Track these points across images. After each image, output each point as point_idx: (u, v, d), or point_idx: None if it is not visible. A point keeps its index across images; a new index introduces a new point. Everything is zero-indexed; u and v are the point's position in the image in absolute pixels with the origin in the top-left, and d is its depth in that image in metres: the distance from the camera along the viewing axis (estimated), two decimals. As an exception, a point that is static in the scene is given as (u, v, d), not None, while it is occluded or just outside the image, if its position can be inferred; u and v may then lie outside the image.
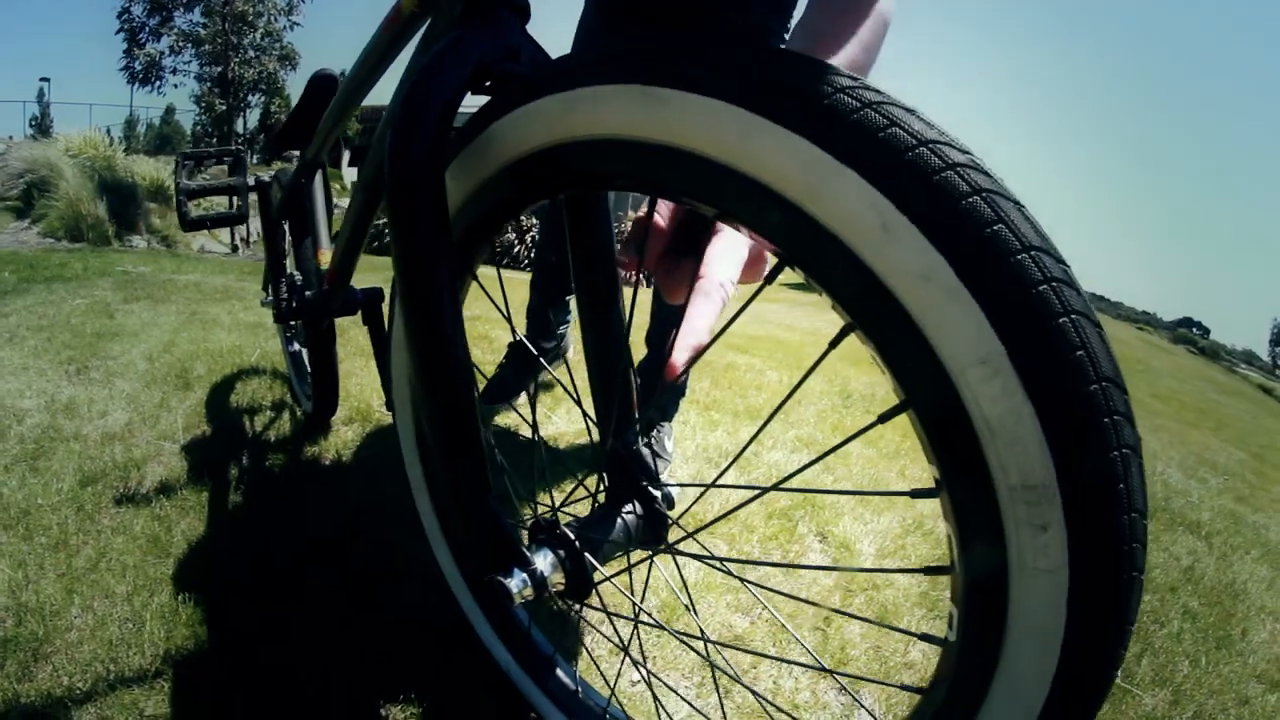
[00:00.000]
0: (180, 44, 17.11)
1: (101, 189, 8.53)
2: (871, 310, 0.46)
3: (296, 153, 1.65)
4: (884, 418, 0.50)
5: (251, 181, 1.81)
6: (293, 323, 1.81)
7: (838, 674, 1.14)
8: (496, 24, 0.74)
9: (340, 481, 1.68)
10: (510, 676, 1.05)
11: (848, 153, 0.44)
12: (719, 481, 0.76)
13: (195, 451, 1.74)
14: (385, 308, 1.27)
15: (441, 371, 0.68)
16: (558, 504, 0.86)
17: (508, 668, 1.05)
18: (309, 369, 1.76)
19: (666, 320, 1.93)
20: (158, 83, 17.05)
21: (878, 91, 0.45)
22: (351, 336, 2.77)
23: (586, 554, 0.76)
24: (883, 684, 1.21)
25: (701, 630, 0.86)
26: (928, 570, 0.54)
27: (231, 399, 2.15)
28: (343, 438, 1.88)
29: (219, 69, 17.40)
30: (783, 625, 1.19)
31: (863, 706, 1.18)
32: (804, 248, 0.48)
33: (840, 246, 0.46)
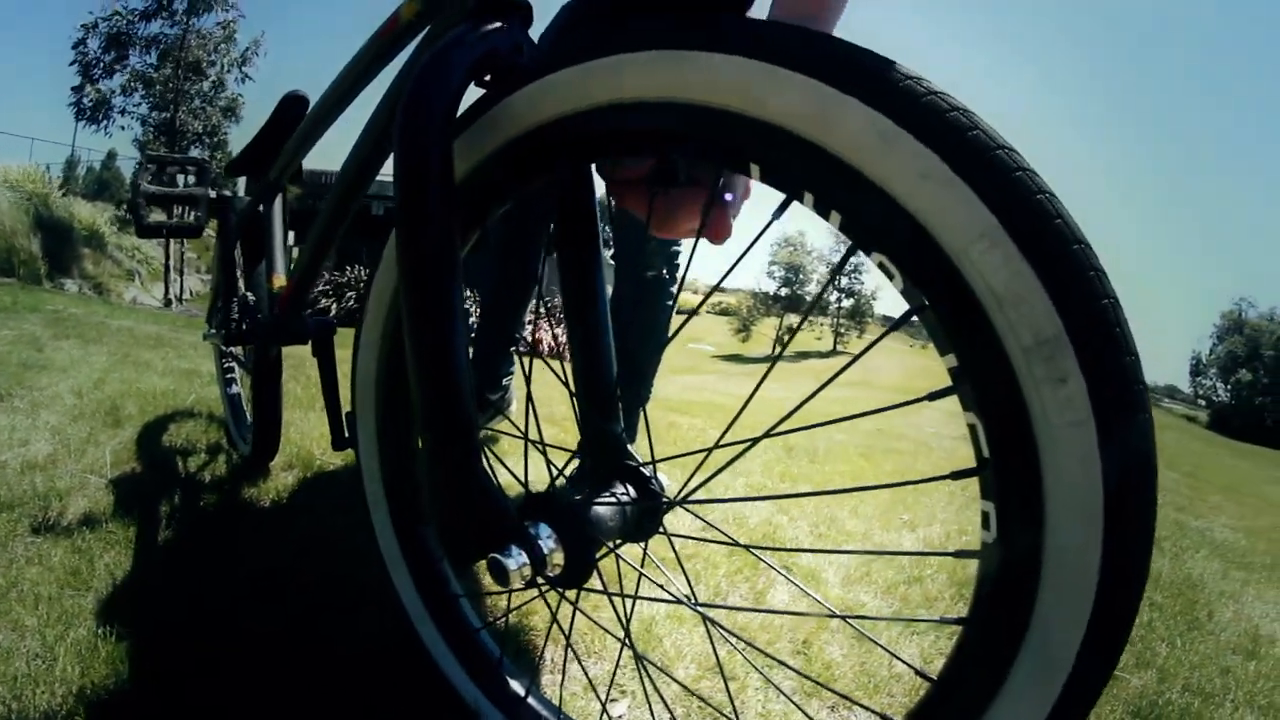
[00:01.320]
0: (132, 84, 16.89)
1: (37, 225, 8.33)
2: (878, 220, 0.53)
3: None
4: (895, 325, 0.57)
5: (213, 194, 1.77)
6: (237, 351, 1.75)
7: (854, 618, 1.11)
8: (502, 22, 0.77)
9: (281, 522, 1.60)
10: (480, 714, 0.98)
11: (851, 87, 0.52)
12: (719, 444, 0.75)
13: (124, 487, 1.65)
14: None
15: (443, 334, 0.67)
16: (552, 483, 0.83)
17: (476, 704, 0.98)
18: (251, 404, 1.70)
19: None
20: (105, 122, 16.72)
21: (856, 45, 0.54)
22: (289, 390, 2.70)
23: (588, 529, 0.73)
24: (919, 620, 1.27)
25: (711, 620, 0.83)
26: (957, 475, 0.56)
27: (164, 438, 2.06)
28: (283, 482, 1.80)
29: (165, 115, 17.20)
30: (802, 589, 1.14)
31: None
32: (814, 177, 0.56)
33: (845, 167, 0.53)
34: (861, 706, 0.75)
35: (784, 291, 49.53)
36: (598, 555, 0.74)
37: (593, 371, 0.86)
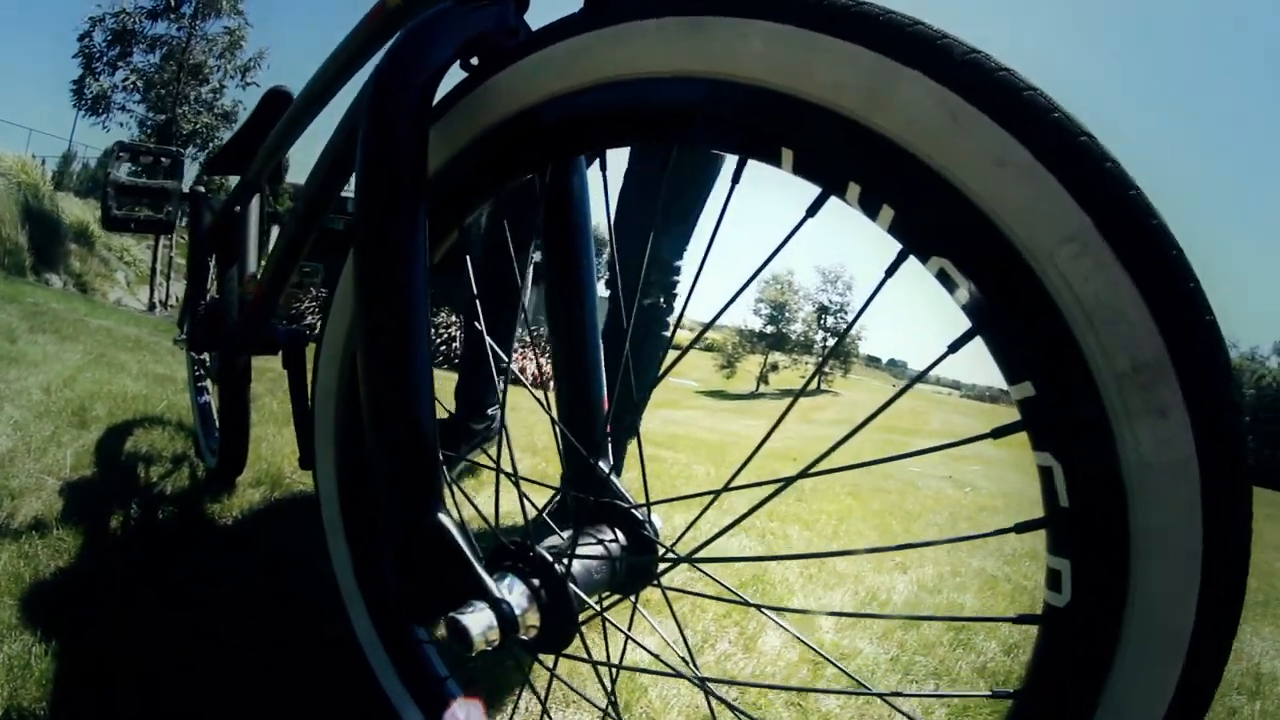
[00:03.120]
0: (134, 81, 16.94)
1: (26, 216, 8.26)
2: (940, 217, 0.45)
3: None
4: (954, 347, 0.47)
5: (186, 189, 1.70)
6: (204, 358, 1.68)
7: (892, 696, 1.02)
8: (494, 3, 0.70)
9: (243, 542, 1.52)
10: None
11: (911, 57, 0.44)
12: (729, 486, 0.63)
13: (80, 492, 1.57)
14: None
15: (401, 352, 0.60)
16: (529, 527, 0.72)
17: None
18: (217, 417, 1.63)
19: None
20: (104, 115, 16.76)
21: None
22: (264, 404, 2.64)
23: (571, 585, 0.63)
24: (961, 696, 1.13)
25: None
26: (1021, 528, 0.48)
27: (129, 444, 1.99)
28: (248, 499, 1.72)
29: (164, 116, 17.23)
30: (822, 658, 1.04)
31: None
32: (862, 165, 0.47)
33: (903, 153, 0.45)
34: None
35: (769, 329, 49.59)
36: (581, 616, 0.65)
37: (579, 398, 0.79)
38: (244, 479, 1.80)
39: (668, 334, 1.87)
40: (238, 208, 1.55)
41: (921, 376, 0.53)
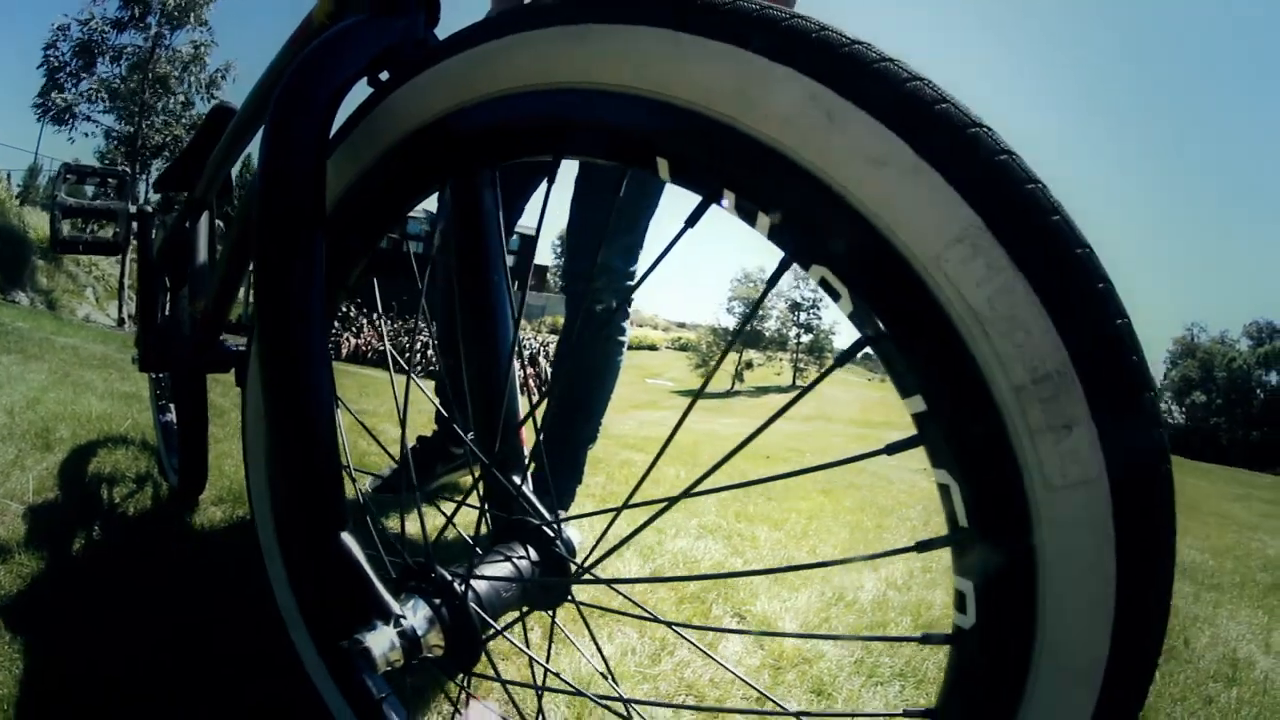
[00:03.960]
0: (98, 92, 16.78)
1: (-10, 233, 8.14)
2: (818, 222, 0.42)
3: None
4: (842, 359, 0.46)
5: (133, 209, 1.69)
6: (160, 378, 1.67)
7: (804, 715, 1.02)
8: (402, 17, 0.69)
9: (205, 561, 1.50)
10: None
11: (781, 53, 0.41)
12: (628, 504, 0.62)
13: (43, 516, 1.56)
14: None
15: (299, 377, 0.59)
16: (427, 547, 0.70)
17: None
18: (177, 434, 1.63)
19: (567, 400, 1.86)
20: (70, 125, 16.59)
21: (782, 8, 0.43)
22: (231, 419, 2.62)
23: (472, 604, 0.62)
24: (879, 716, 1.10)
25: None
26: (921, 546, 0.45)
27: (93, 466, 1.96)
28: (210, 517, 1.71)
29: (130, 128, 17.09)
30: (737, 678, 1.01)
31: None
32: (735, 170, 0.45)
33: (775, 155, 0.42)
34: None
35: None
36: (489, 633, 0.65)
37: (490, 413, 0.78)
38: (206, 496, 1.78)
39: (623, 339, 1.88)
40: (186, 225, 1.54)
41: (811, 387, 0.51)
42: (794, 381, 47.22)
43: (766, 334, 50.50)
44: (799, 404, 0.52)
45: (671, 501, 0.60)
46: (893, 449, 0.44)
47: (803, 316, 49.04)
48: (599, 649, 0.83)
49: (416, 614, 0.60)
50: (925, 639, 0.48)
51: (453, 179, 0.70)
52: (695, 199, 0.49)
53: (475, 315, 0.76)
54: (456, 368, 0.79)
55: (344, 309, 15.91)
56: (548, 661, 0.80)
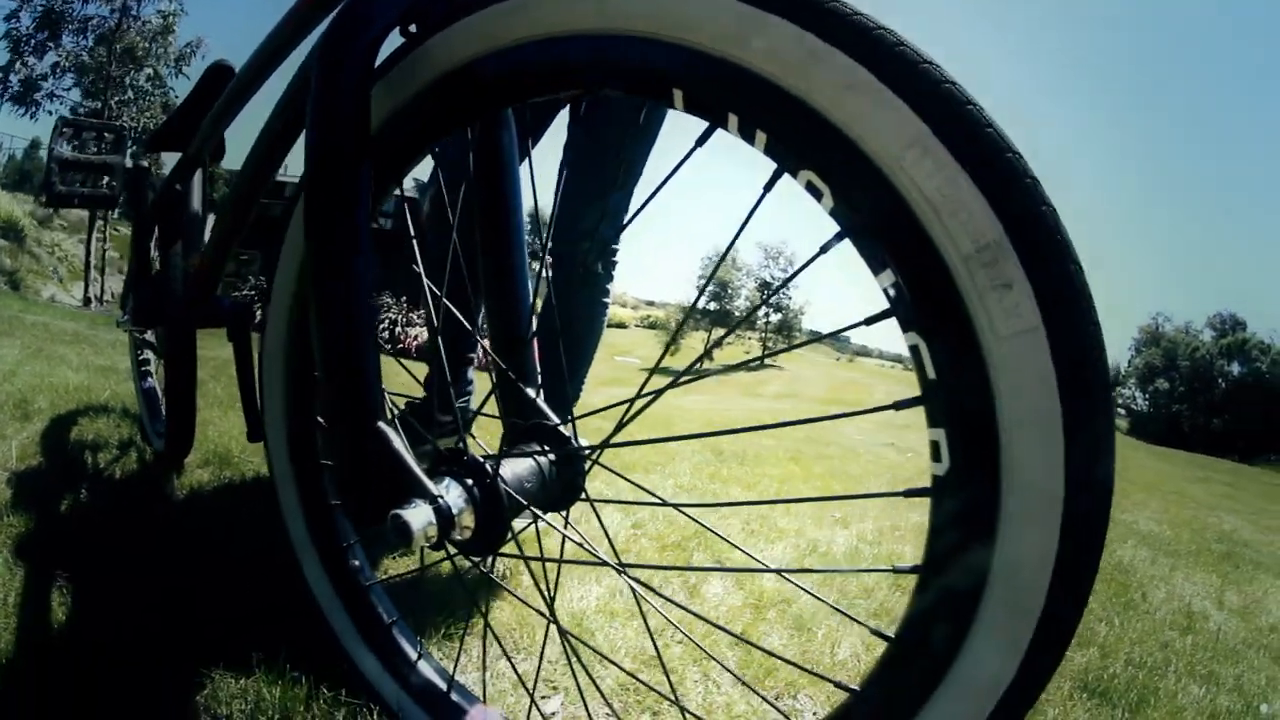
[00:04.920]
0: (66, 65, 16.30)
1: (-53, 215, 7.99)
2: (803, 136, 0.52)
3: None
4: (825, 248, 0.55)
5: (129, 164, 1.69)
6: (149, 340, 1.67)
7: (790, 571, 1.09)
8: None
9: (195, 520, 1.53)
10: (402, 713, 0.92)
11: (772, 4, 0.52)
12: (640, 393, 0.73)
13: (28, 480, 1.56)
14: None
15: (343, 274, 0.67)
16: (462, 433, 0.80)
17: (398, 704, 0.93)
18: (163, 396, 1.64)
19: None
20: (33, 107, 16.10)
21: None
22: (208, 389, 2.63)
23: (502, 484, 0.69)
24: (870, 571, 1.23)
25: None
26: (900, 405, 0.53)
27: (74, 433, 1.97)
28: (197, 478, 1.73)
29: (97, 103, 16.64)
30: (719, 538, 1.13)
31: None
32: (738, 99, 0.55)
33: (769, 85, 0.53)
34: (818, 676, 0.66)
35: (713, 306, 49.99)
36: (515, 522, 0.72)
37: (508, 327, 0.86)
38: (191, 460, 1.80)
39: (607, 300, 1.92)
40: (179, 185, 1.54)
41: (816, 340, 0.64)
42: (762, 361, 47.47)
43: (735, 313, 50.73)
44: (768, 383, 0.60)
45: (676, 380, 0.72)
46: (870, 320, 0.54)
47: (772, 297, 49.28)
48: (608, 536, 0.90)
49: (451, 493, 0.66)
50: (909, 493, 0.55)
51: (482, 118, 0.80)
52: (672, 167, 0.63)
53: (494, 238, 0.85)
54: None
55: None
56: (563, 547, 0.87)
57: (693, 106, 0.59)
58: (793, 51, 0.51)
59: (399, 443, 0.67)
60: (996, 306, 0.45)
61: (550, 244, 1.84)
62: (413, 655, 0.96)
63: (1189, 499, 6.14)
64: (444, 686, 0.93)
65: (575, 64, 0.64)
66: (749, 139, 0.56)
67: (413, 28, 0.76)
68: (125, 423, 2.15)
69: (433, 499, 0.65)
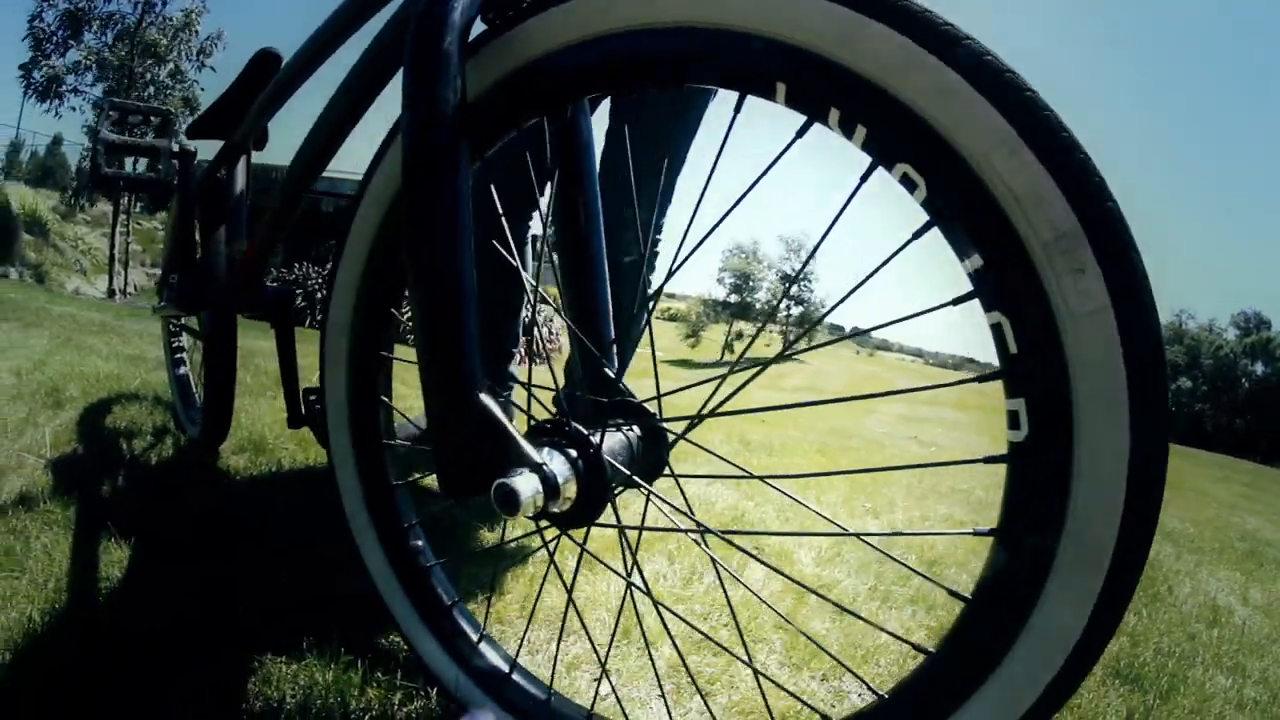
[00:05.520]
0: (87, 61, 16.49)
1: (-26, 211, 8.09)
2: (902, 133, 0.56)
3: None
4: (917, 234, 0.58)
5: (176, 148, 1.69)
6: (181, 327, 1.67)
7: (868, 535, 1.08)
8: None
9: (233, 508, 1.53)
10: (461, 696, 0.93)
11: (875, 11, 0.56)
12: (735, 368, 0.78)
13: (63, 467, 1.58)
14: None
15: (445, 247, 0.67)
16: (562, 406, 0.81)
17: (457, 686, 0.93)
18: (202, 382, 1.63)
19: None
20: (56, 101, 16.30)
21: None
22: (238, 377, 2.63)
23: (606, 456, 0.71)
24: (946, 534, 1.59)
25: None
26: (982, 378, 0.59)
27: (108, 421, 1.99)
28: (234, 464, 1.75)
29: (118, 99, 16.84)
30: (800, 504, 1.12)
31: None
32: (840, 95, 0.58)
33: (871, 85, 0.56)
34: (895, 636, 0.70)
35: (733, 298, 49.86)
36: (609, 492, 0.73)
37: (589, 310, 0.88)
38: (225, 446, 1.80)
39: (649, 291, 1.90)
40: (223, 171, 1.55)
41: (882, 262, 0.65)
42: (785, 352, 47.31)
43: (757, 305, 50.57)
44: (789, 376, 0.64)
45: (768, 363, 0.77)
46: (958, 301, 0.58)
47: (794, 290, 48.97)
48: (687, 503, 0.88)
49: (554, 463, 0.68)
50: (988, 459, 0.59)
51: (568, 104, 0.83)
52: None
53: (573, 222, 0.88)
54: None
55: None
56: (646, 514, 0.90)
57: (794, 101, 0.62)
58: (894, 55, 0.55)
59: (500, 412, 0.67)
60: (1071, 289, 0.51)
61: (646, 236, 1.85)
62: (474, 637, 0.96)
63: (1211, 498, 6.08)
64: (506, 668, 0.94)
65: (669, 56, 0.66)
66: (848, 134, 0.59)
67: (491, 15, 0.77)
68: (158, 410, 2.17)
69: (537, 467, 0.66)
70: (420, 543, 1.01)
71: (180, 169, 1.65)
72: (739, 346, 45.28)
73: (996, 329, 0.55)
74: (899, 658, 1.25)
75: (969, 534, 0.65)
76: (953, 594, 0.61)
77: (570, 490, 0.68)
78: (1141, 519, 0.51)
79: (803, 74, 0.60)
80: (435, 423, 0.68)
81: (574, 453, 0.70)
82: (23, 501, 1.38)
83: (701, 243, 0.74)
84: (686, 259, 0.78)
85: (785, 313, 50.90)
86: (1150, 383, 0.50)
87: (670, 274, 0.83)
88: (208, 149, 1.64)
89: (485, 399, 0.68)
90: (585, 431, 0.72)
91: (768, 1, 0.60)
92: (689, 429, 0.80)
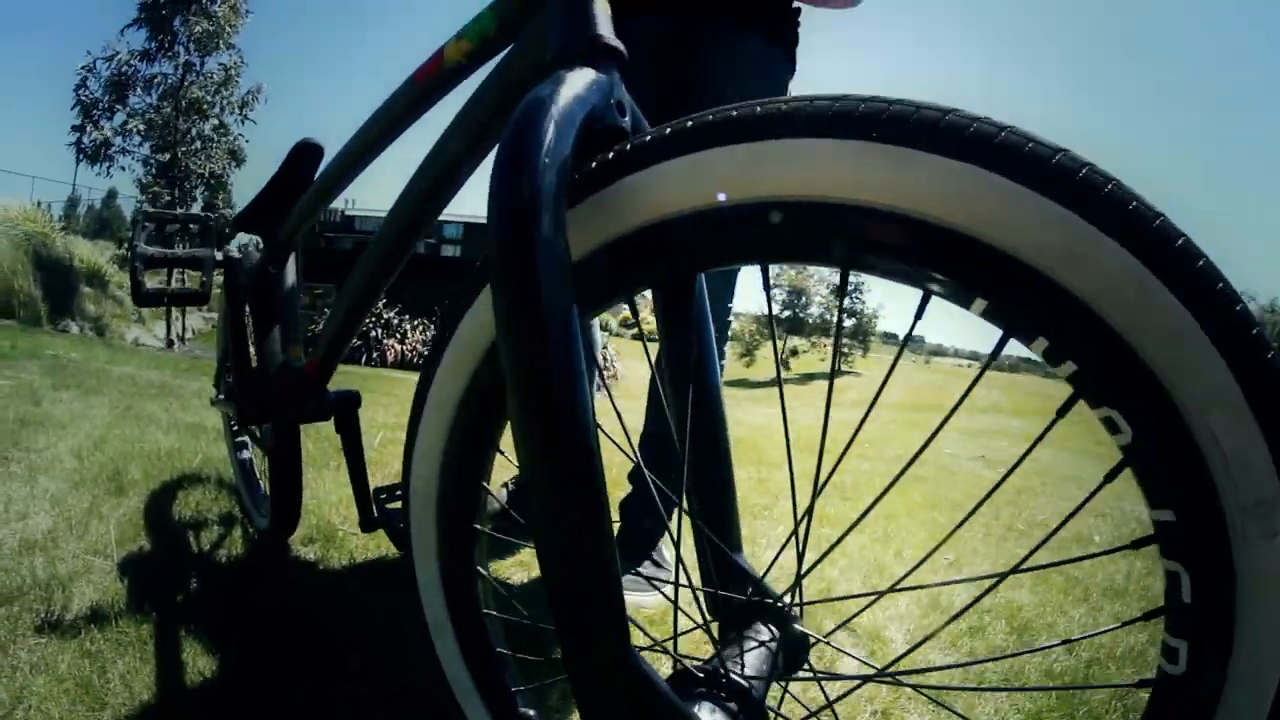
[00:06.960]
0: (133, 124, 17.15)
1: (37, 265, 8.32)
2: (1116, 374, 0.49)
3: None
4: (1111, 476, 0.53)
5: (219, 256, 1.64)
6: (253, 427, 1.63)
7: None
8: (597, 71, 0.63)
9: (313, 611, 1.47)
10: None
11: (1106, 223, 0.47)
12: (896, 587, 0.68)
13: (132, 571, 1.54)
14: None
15: (574, 480, 0.51)
16: (718, 651, 0.68)
17: None
18: (266, 480, 1.59)
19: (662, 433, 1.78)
20: (106, 163, 16.96)
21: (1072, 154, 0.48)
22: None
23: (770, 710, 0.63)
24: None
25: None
26: (1147, 616, 0.56)
27: (173, 509, 1.95)
28: (305, 558, 1.70)
29: (166, 156, 17.43)
30: None
31: None
32: (1052, 321, 0.50)
33: (1092, 315, 0.48)
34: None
35: (786, 314, 49.39)
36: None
37: (714, 495, 0.79)
38: (295, 536, 1.76)
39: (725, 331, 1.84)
40: (273, 268, 1.51)
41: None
42: (839, 367, 46.64)
43: (810, 320, 50.03)
44: (845, 390, 0.54)
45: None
46: (1137, 544, 0.55)
47: (846, 301, 48.41)
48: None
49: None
50: (1140, 684, 0.57)
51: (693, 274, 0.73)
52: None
53: (695, 402, 0.77)
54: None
55: (389, 316, 15.97)
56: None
57: (994, 318, 0.52)
58: (1125, 284, 0.47)
59: (652, 672, 0.55)
60: (1261, 552, 0.47)
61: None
62: None
63: None
64: None
65: (852, 238, 0.54)
66: (1053, 363, 0.52)
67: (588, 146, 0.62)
68: (222, 493, 2.13)
69: None
70: (532, 712, 0.86)
71: (226, 274, 1.60)
72: (794, 363, 44.95)
73: (1172, 576, 0.52)
74: None
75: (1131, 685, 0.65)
76: (1146, 616, 0.57)
77: None
78: None
79: (1014, 293, 0.50)
80: (578, 689, 0.55)
81: (734, 706, 0.60)
82: (94, 618, 1.33)
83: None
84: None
85: (837, 325, 50.22)
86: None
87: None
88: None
89: (639, 657, 0.54)
90: (744, 682, 0.61)
91: (980, 195, 0.49)
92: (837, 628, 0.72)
